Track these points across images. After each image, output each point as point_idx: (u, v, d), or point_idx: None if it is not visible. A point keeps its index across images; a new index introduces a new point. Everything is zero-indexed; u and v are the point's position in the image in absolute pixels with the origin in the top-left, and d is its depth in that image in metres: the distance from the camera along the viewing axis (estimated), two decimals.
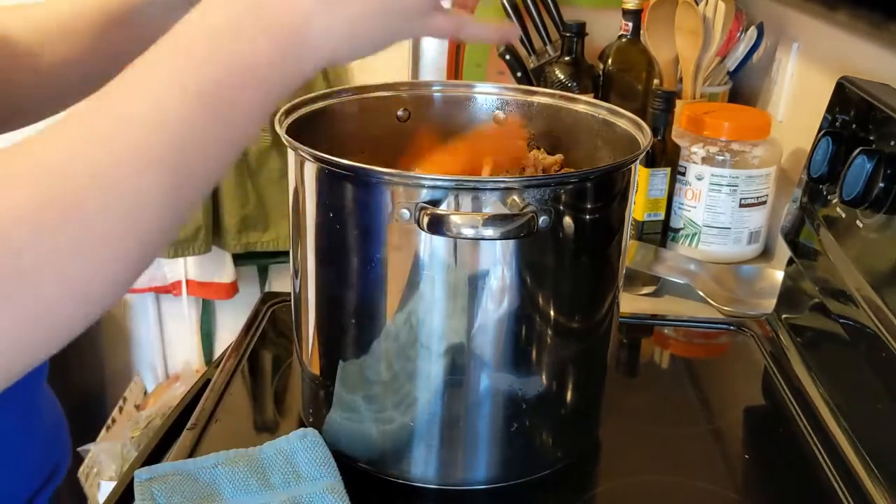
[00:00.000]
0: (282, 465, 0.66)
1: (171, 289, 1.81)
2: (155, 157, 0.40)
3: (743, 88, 1.32)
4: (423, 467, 0.68)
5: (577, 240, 0.63)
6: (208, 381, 0.83)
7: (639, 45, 1.24)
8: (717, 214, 1.08)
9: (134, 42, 0.53)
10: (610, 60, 1.25)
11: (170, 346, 1.97)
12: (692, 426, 0.78)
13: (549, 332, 0.65)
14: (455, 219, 0.57)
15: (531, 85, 1.26)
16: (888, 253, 0.69)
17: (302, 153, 0.63)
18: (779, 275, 0.98)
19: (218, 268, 1.77)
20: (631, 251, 1.06)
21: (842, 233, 0.77)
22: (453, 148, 0.73)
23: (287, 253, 0.69)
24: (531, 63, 1.33)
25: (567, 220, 0.61)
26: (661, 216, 1.10)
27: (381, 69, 1.69)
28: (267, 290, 1.88)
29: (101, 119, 0.41)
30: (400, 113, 0.80)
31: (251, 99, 0.44)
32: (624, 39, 1.24)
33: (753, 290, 1.03)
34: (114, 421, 1.71)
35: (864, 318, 0.70)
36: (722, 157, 1.06)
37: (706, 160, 1.06)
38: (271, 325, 0.93)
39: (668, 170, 1.08)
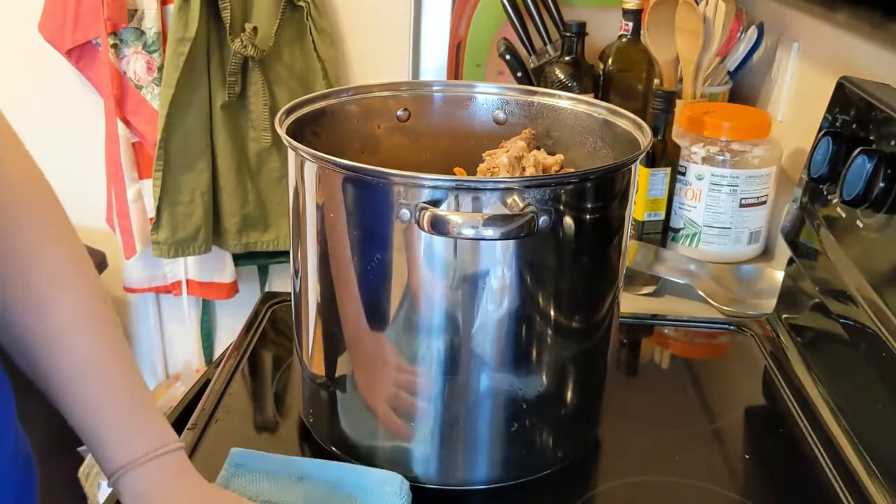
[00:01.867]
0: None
1: (171, 289, 1.81)
2: None
3: (743, 88, 1.32)
4: (423, 467, 0.68)
5: (577, 240, 0.63)
6: (208, 381, 0.83)
7: (639, 45, 1.24)
8: (718, 214, 1.08)
9: None
10: (610, 60, 1.25)
11: (170, 346, 1.97)
12: (692, 426, 0.78)
13: (549, 332, 0.65)
14: (455, 219, 0.57)
15: (531, 85, 1.27)
16: (888, 253, 0.69)
17: (302, 153, 0.63)
18: (779, 275, 0.98)
19: (218, 268, 1.77)
20: (631, 251, 1.06)
21: (842, 233, 0.77)
22: None
23: (287, 253, 0.69)
24: (531, 63, 1.33)
25: (567, 220, 0.61)
26: (662, 216, 1.10)
27: (381, 69, 1.70)
28: (267, 290, 1.88)
29: None
30: (400, 113, 0.80)
31: None
32: (624, 39, 1.24)
33: (753, 290, 1.03)
34: None
35: (864, 318, 0.70)
36: (722, 157, 1.06)
37: (706, 160, 1.06)
38: (271, 325, 0.93)
39: (668, 170, 1.08)
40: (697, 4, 1.19)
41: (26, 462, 0.62)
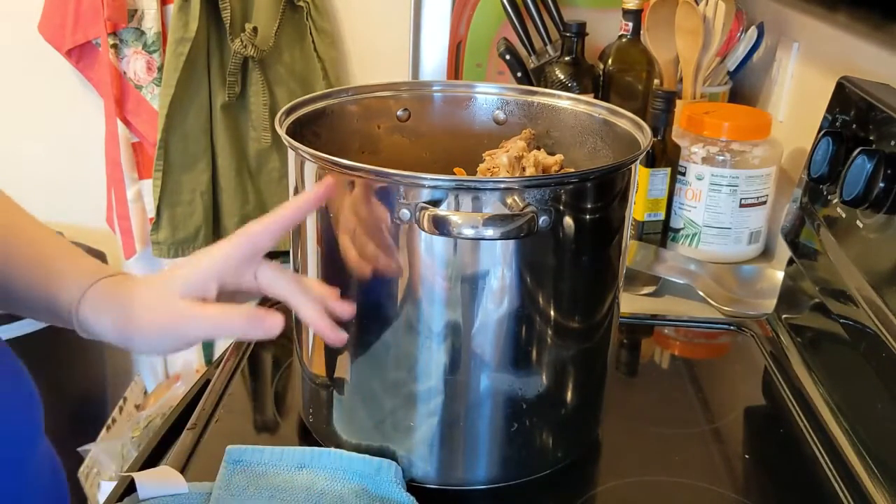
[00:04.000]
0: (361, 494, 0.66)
1: None
2: None
3: (743, 88, 1.32)
4: (423, 467, 0.68)
5: (577, 240, 0.63)
6: (208, 381, 0.83)
7: (639, 45, 1.24)
8: (718, 214, 1.08)
9: None
10: (610, 60, 1.25)
11: None
12: (692, 426, 0.78)
13: (549, 332, 0.65)
14: (455, 219, 0.57)
15: (531, 85, 1.27)
16: (888, 253, 0.69)
17: (302, 153, 0.63)
18: (779, 275, 0.98)
19: None
20: (631, 251, 1.06)
21: (842, 233, 0.77)
22: None
23: (287, 253, 0.69)
24: (531, 63, 1.33)
25: (567, 220, 0.61)
26: (662, 216, 1.10)
27: (381, 69, 1.70)
28: None
29: None
30: (400, 113, 0.80)
31: None
32: (624, 39, 1.24)
33: (753, 290, 1.03)
34: (114, 421, 1.71)
35: (864, 318, 0.70)
36: (722, 157, 1.06)
37: (706, 160, 1.06)
38: None
39: (668, 170, 1.08)
40: (697, 4, 1.19)
41: (53, 463, 0.62)
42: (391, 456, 0.67)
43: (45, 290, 0.61)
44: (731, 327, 0.95)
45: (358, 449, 0.68)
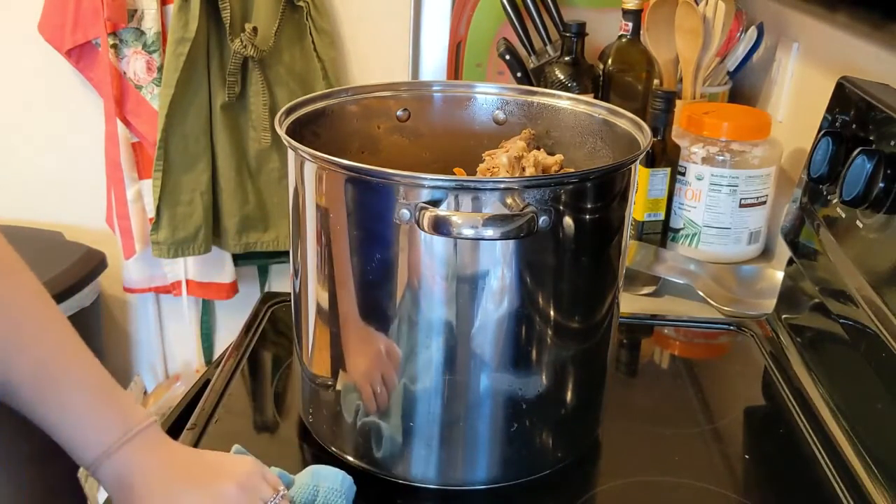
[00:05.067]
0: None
1: (171, 289, 1.81)
2: None
3: (743, 88, 1.32)
4: (423, 467, 0.68)
5: (577, 240, 0.63)
6: (208, 381, 0.83)
7: (639, 45, 1.24)
8: (717, 214, 1.08)
9: None
10: (610, 60, 1.25)
11: (170, 346, 1.97)
12: (692, 426, 0.78)
13: (549, 332, 0.65)
14: (455, 219, 0.57)
15: (531, 85, 1.27)
16: (888, 253, 0.69)
17: (302, 153, 0.63)
18: (779, 275, 0.98)
19: (218, 268, 1.77)
20: (631, 251, 1.06)
21: (842, 233, 0.77)
22: None
23: (287, 253, 0.69)
24: (531, 63, 1.33)
25: (567, 220, 0.61)
26: (661, 216, 1.10)
27: (381, 69, 1.70)
28: (267, 290, 1.88)
29: None
30: (400, 113, 0.80)
31: None
32: (624, 39, 1.24)
33: (753, 290, 1.03)
34: None
35: (864, 318, 0.70)
36: (722, 157, 1.06)
37: (706, 160, 1.06)
38: (271, 325, 0.93)
39: (668, 170, 1.08)
40: (697, 4, 1.19)
41: None
42: (391, 456, 0.67)
43: (61, 438, 0.59)
44: (731, 327, 0.95)
45: (357, 449, 0.69)
